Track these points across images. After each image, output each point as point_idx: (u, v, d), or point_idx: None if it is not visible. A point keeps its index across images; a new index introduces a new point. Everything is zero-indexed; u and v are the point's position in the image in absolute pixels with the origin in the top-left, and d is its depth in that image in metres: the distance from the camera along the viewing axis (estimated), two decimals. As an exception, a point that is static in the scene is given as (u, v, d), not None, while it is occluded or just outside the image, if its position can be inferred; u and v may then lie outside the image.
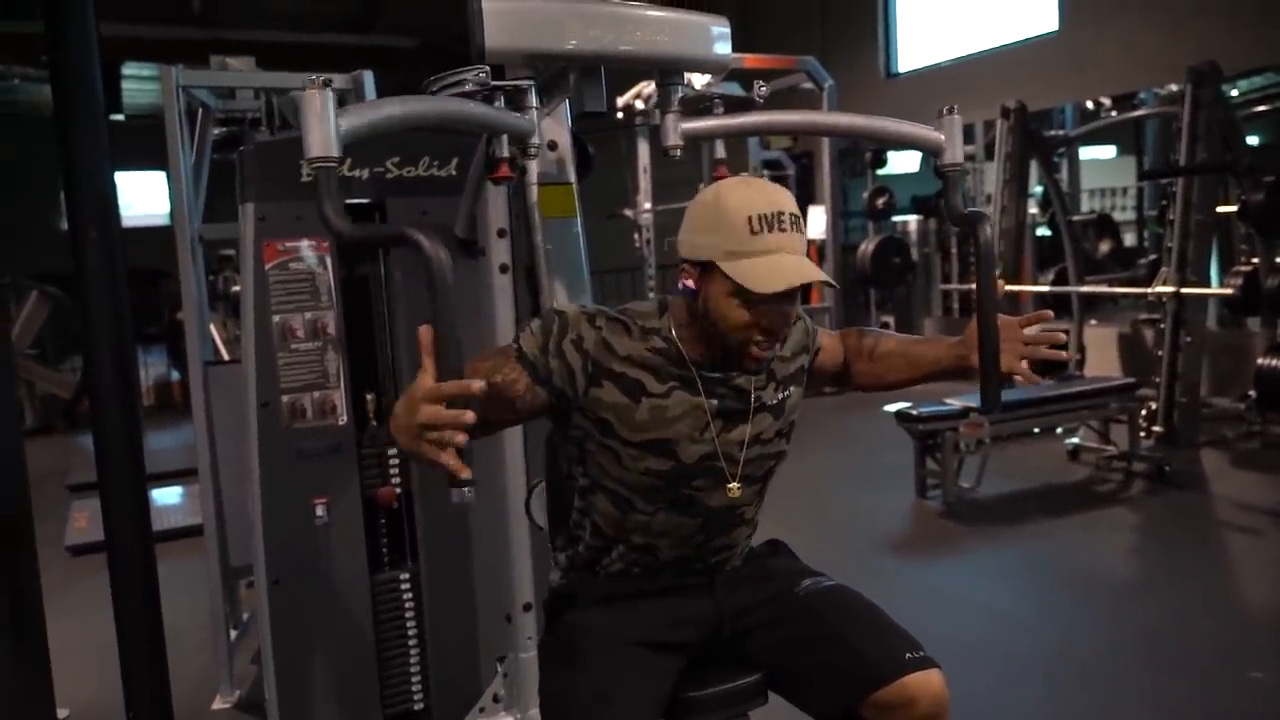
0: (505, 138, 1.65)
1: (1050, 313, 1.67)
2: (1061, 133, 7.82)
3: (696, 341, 1.45)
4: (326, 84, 1.23)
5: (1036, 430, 4.86)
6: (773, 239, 1.34)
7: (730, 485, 1.49)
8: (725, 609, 1.55)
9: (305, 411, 2.23)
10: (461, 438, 1.12)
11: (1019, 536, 4.17)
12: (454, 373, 1.14)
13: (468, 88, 1.61)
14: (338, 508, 2.28)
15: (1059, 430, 5.20)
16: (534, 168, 1.95)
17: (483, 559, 2.38)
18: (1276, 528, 3.98)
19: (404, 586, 2.38)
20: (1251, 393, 5.44)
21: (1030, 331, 1.61)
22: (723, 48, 1.81)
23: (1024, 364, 1.60)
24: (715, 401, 1.46)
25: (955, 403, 4.44)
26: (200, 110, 3.04)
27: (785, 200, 1.38)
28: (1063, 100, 8.01)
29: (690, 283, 1.41)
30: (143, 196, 11.72)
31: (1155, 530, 4.23)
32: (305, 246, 2.23)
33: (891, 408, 4.91)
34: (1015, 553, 3.99)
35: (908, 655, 1.43)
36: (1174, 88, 7.21)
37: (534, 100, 1.69)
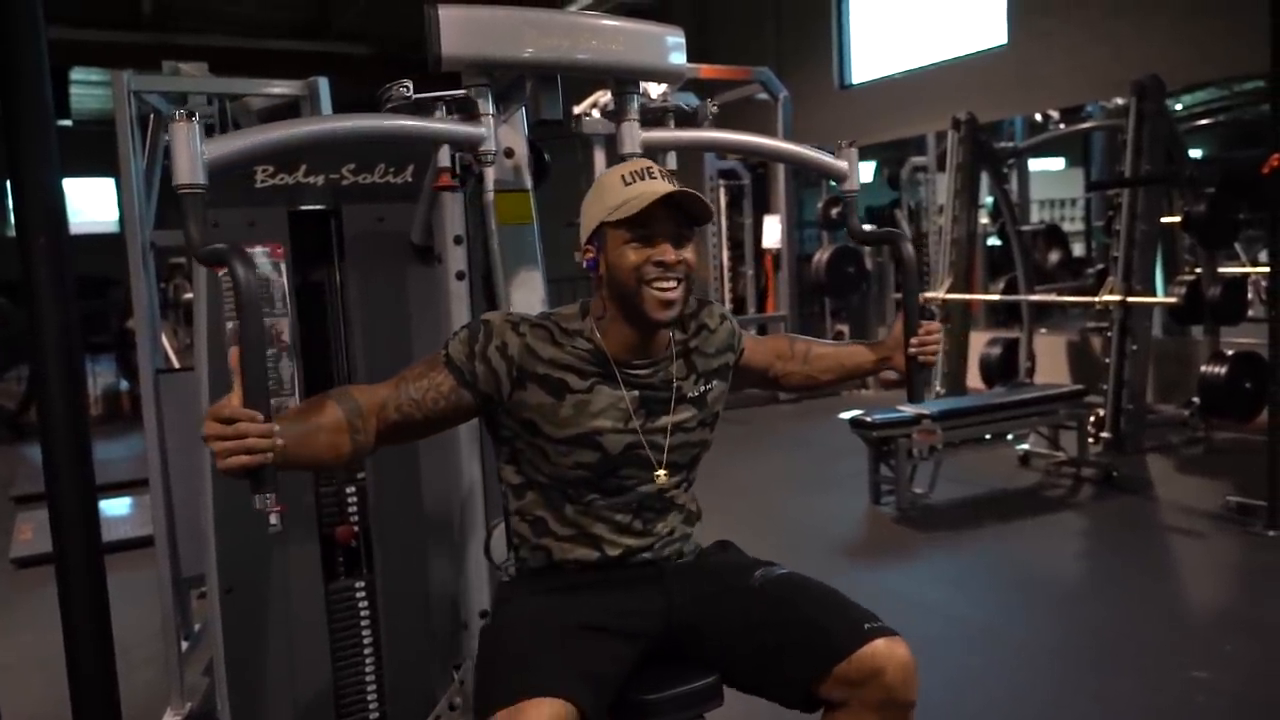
0: (446, 148, 1.68)
1: (937, 324, 1.87)
2: (1011, 144, 7.97)
3: (615, 330, 1.53)
4: (191, 115, 1.34)
5: (988, 436, 4.94)
6: (645, 185, 1.47)
7: (658, 473, 1.56)
8: (673, 598, 1.57)
9: (259, 419, 2.20)
10: (269, 455, 1.31)
11: (972, 541, 4.24)
12: (259, 393, 1.28)
13: (393, 104, 1.68)
14: (292, 515, 2.25)
15: (1010, 436, 5.29)
16: (490, 174, 1.96)
17: (438, 567, 2.37)
18: (1218, 531, 4.09)
19: (359, 595, 2.36)
20: (1195, 399, 5.59)
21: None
22: (677, 57, 1.84)
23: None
24: (636, 393, 1.54)
25: (908, 410, 4.50)
26: (152, 116, 3.00)
27: (647, 161, 1.55)
28: (1012, 113, 8.17)
29: (587, 256, 1.53)
30: (90, 203, 11.51)
31: (1103, 534, 4.32)
32: (260, 253, 2.21)
33: (845, 415, 4.97)
34: (968, 557, 4.06)
35: (867, 626, 1.46)
36: (1119, 101, 7.41)
37: (490, 108, 1.70)
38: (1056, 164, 11.58)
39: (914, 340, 1.77)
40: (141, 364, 2.78)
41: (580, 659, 1.42)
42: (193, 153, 1.33)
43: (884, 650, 1.43)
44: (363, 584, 2.36)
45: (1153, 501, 4.68)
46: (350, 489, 2.31)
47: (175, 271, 7.06)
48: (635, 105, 1.82)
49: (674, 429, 1.57)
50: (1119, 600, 3.43)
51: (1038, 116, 8.44)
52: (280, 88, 3.08)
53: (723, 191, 9.14)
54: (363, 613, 2.36)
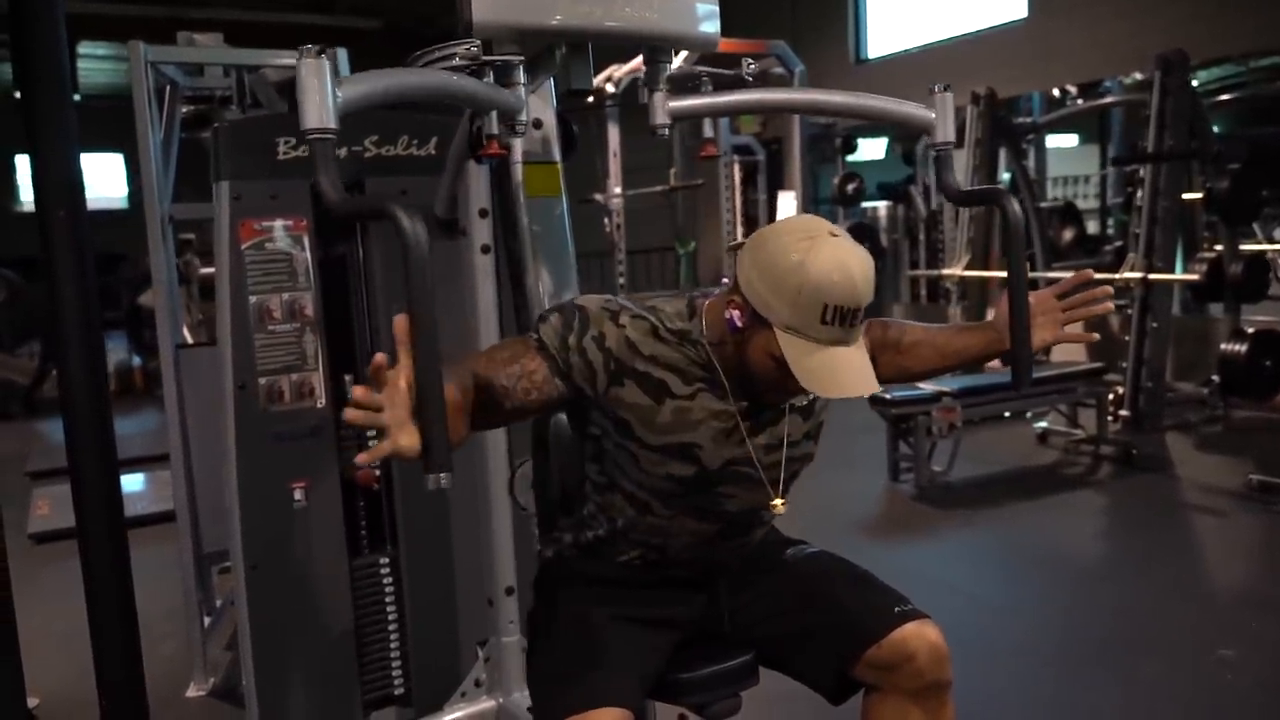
0: (495, 114, 1.62)
1: (1090, 271, 1.66)
2: (1030, 120, 7.88)
3: (724, 357, 1.39)
4: (321, 53, 1.19)
5: (1007, 414, 4.91)
6: (840, 332, 1.26)
7: (776, 501, 1.45)
8: (721, 586, 1.55)
9: (283, 394, 2.19)
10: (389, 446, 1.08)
11: (991, 519, 4.21)
12: (432, 364, 1.07)
13: (456, 61, 1.58)
14: (316, 492, 2.24)
15: (1028, 414, 5.26)
16: (519, 146, 1.93)
17: (463, 542, 2.35)
18: (1240, 510, 4.06)
19: (384, 571, 2.35)
20: (1215, 378, 5.54)
21: (1068, 300, 1.60)
22: (711, 25, 1.79)
23: (1068, 329, 1.60)
24: (745, 403, 1.40)
25: (928, 387, 4.47)
26: (168, 88, 2.97)
27: (866, 291, 1.27)
28: (1030, 88, 8.06)
29: (738, 317, 1.32)
30: (99, 179, 11.47)
31: (1123, 512, 4.29)
32: (281, 226, 2.19)
33: (864, 392, 4.92)
34: (987, 536, 4.04)
35: (897, 609, 1.43)
36: (1138, 76, 7.31)
37: (521, 77, 1.65)
38: (1070, 140, 11.46)
39: (1073, 299, 1.58)
40: (161, 340, 2.76)
41: (634, 660, 1.42)
42: (324, 93, 1.17)
43: (914, 634, 1.41)
44: (387, 560, 2.35)
45: (1173, 480, 4.65)
46: (371, 431, 2.25)
47: (185, 247, 7.03)
48: (666, 75, 1.77)
49: (781, 444, 1.44)
50: (1142, 579, 3.41)
51: (1055, 92, 8.34)
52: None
53: (737, 167, 9.06)
54: (387, 588, 2.36)
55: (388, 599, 2.35)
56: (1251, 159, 5.05)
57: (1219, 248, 5.72)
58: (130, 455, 5.13)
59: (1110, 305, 1.60)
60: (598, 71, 7.03)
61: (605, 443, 1.43)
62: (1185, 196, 5.70)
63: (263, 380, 2.17)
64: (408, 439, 1.07)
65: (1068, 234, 9.15)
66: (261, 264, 2.17)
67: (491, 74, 1.59)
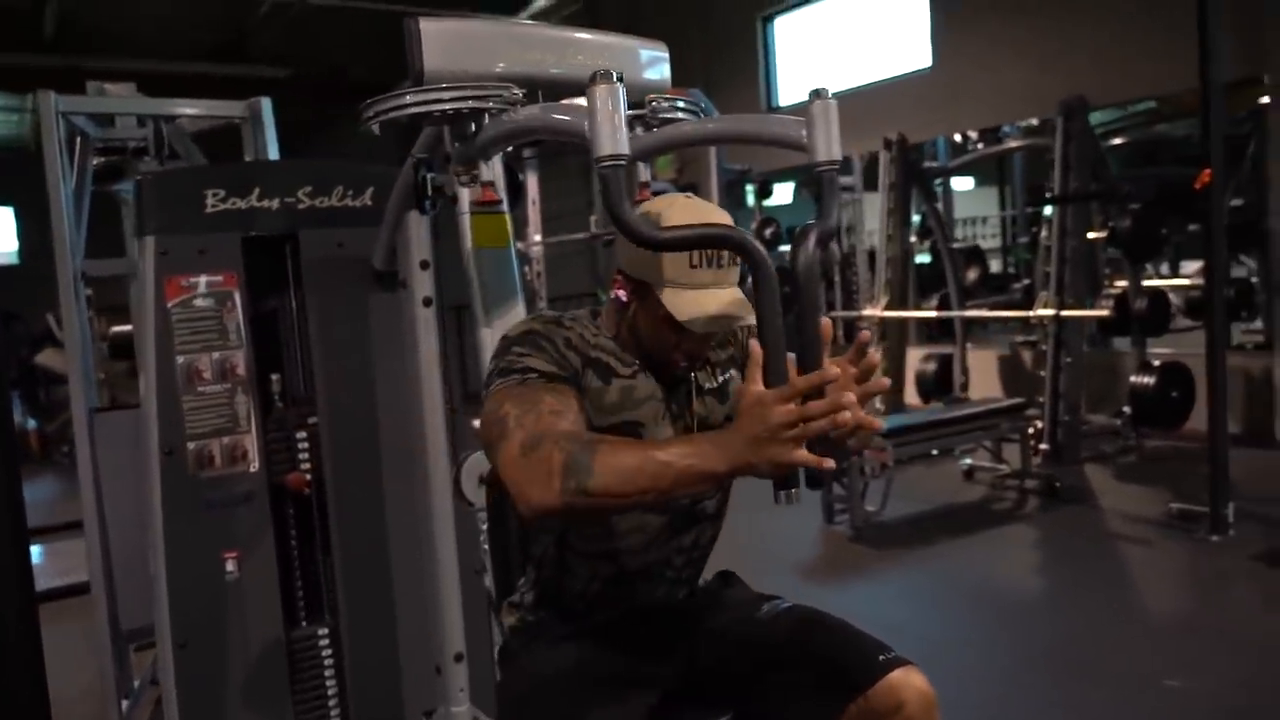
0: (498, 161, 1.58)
1: (868, 334, 1.33)
2: (938, 164, 8.14)
3: (624, 348, 1.47)
4: (613, 78, 1.16)
5: (935, 452, 4.99)
6: (710, 274, 1.36)
7: None
8: (697, 640, 1.50)
9: (214, 458, 2.07)
10: (848, 416, 1.08)
11: (929, 557, 4.25)
12: (781, 378, 1.12)
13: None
14: (250, 561, 2.11)
15: (956, 452, 5.35)
16: (465, 196, 1.88)
17: (408, 607, 2.25)
18: (1164, 538, 4.17)
19: (323, 642, 2.23)
20: (1126, 409, 5.73)
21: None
22: (660, 71, 1.78)
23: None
24: (663, 389, 1.47)
25: (859, 427, 4.50)
26: (79, 139, 2.83)
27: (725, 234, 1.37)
28: (938, 133, 8.33)
29: (623, 294, 1.43)
30: (-19, 235, 10.92)
31: (1055, 545, 4.38)
32: (210, 282, 2.08)
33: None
34: (926, 573, 4.06)
35: (881, 657, 1.41)
36: (1034, 122, 7.64)
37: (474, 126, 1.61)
38: (966, 183, 11.89)
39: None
40: (75, 403, 2.60)
41: None
42: (616, 120, 1.14)
43: (901, 681, 1.38)
44: (326, 630, 2.23)
45: (1097, 511, 4.76)
46: (301, 434, 2.17)
47: (87, 303, 6.74)
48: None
49: (700, 425, 1.49)
50: (1082, 610, 3.46)
51: (957, 137, 8.64)
52: (219, 109, 2.94)
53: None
54: (327, 661, 2.23)
55: (327, 672, 2.23)
56: (1157, 197, 5.28)
57: (1121, 284, 5.96)
58: (29, 525, 4.83)
59: (885, 382, 1.29)
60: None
61: None
62: (1090, 235, 5.93)
63: (192, 444, 2.05)
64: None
65: (972, 273, 9.46)
66: (189, 322, 2.06)
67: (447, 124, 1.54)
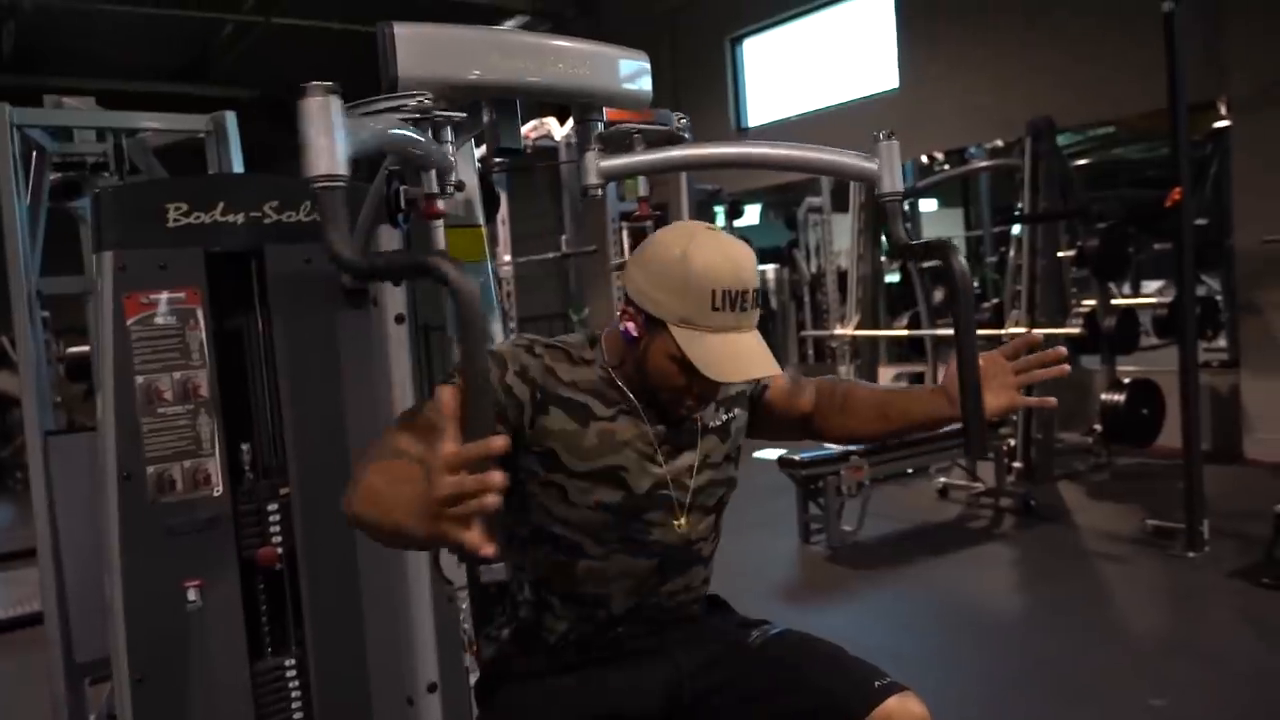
0: (434, 172, 1.51)
1: (1039, 334, 1.57)
2: (909, 184, 8.18)
3: (628, 379, 1.39)
4: (331, 91, 1.05)
5: (910, 470, 4.96)
6: (733, 317, 1.28)
7: (680, 520, 1.40)
8: (684, 671, 1.43)
9: (175, 483, 1.97)
10: (494, 501, 0.91)
11: (907, 577, 4.21)
12: (485, 431, 0.97)
13: (404, 114, 1.46)
14: (213, 590, 2.02)
15: (931, 469, 5.33)
16: (440, 209, 1.82)
17: (379, 635, 2.16)
18: (1141, 555, 4.16)
19: (289, 674, 2.14)
20: (1097, 426, 5.75)
21: (1020, 361, 1.50)
22: (642, 83, 1.74)
23: (1020, 395, 1.50)
24: (661, 427, 1.39)
25: (835, 448, 4.47)
26: (35, 153, 2.74)
27: (751, 275, 1.30)
28: (905, 154, 8.34)
29: (632, 327, 1.33)
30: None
31: (1033, 563, 4.36)
32: (171, 299, 2.00)
33: (770, 455, 4.91)
34: (906, 593, 4.02)
35: (876, 683, 1.36)
36: (999, 143, 7.71)
37: (449, 135, 1.55)
38: (930, 205, 11.98)
39: (1025, 361, 1.47)
40: (28, 425, 2.50)
41: None
42: (332, 135, 1.05)
43: (898, 709, 1.33)
44: (293, 661, 2.14)
45: (1073, 529, 4.76)
46: (272, 506, 2.08)
47: (44, 324, 6.57)
48: (598, 132, 1.70)
49: (701, 466, 1.42)
50: (1062, 629, 3.43)
51: (924, 159, 8.70)
52: (181, 122, 2.86)
53: (625, 234, 9.10)
54: (294, 694, 2.14)
55: (294, 705, 2.13)
56: (1128, 217, 5.32)
57: (1089, 302, 5.99)
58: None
59: (1067, 368, 1.50)
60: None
61: (530, 486, 1.36)
62: (1059, 254, 5.97)
63: (151, 469, 1.96)
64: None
65: (938, 293, 9.52)
66: (150, 340, 1.97)
67: (430, 130, 1.48)
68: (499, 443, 0.94)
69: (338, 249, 1.07)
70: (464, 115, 1.49)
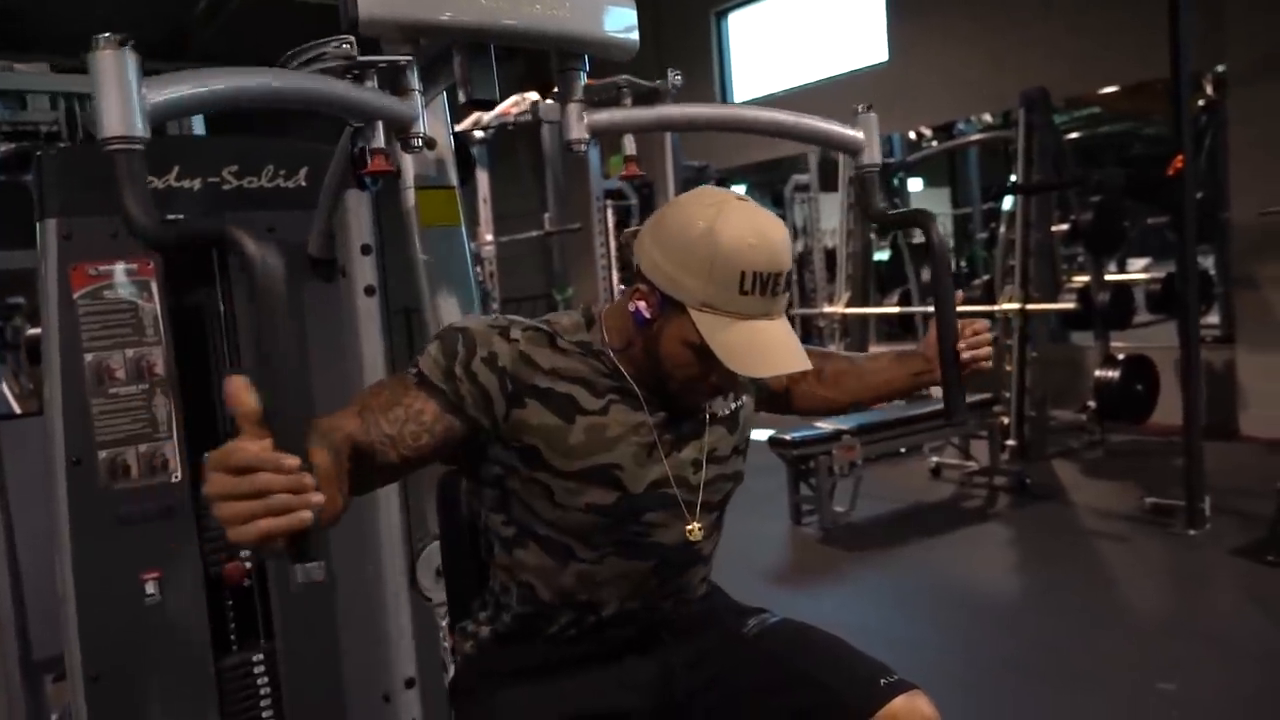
0: (380, 125, 1.37)
1: (983, 322, 1.53)
2: (894, 160, 8.06)
3: (636, 366, 1.24)
4: (124, 43, 0.93)
5: (903, 450, 4.86)
6: (762, 302, 1.14)
7: (691, 526, 1.26)
8: (675, 664, 1.32)
9: (129, 469, 1.84)
10: (307, 515, 0.81)
11: (901, 558, 4.11)
12: (291, 427, 0.84)
13: (329, 63, 1.32)
14: (172, 582, 1.90)
15: (925, 449, 5.24)
16: (410, 169, 1.68)
17: (353, 628, 2.04)
18: (1140, 534, 4.08)
19: (257, 670, 2.01)
20: (1091, 403, 5.66)
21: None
22: (627, 32, 1.60)
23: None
24: (662, 415, 1.24)
25: (827, 425, 4.36)
26: (-17, 122, 2.59)
27: (785, 256, 1.16)
28: (894, 128, 8.26)
29: (644, 307, 1.18)
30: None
31: (1030, 542, 4.27)
32: (124, 270, 1.86)
33: (759, 435, 4.79)
34: (901, 575, 3.92)
35: (882, 681, 1.25)
36: (988, 118, 7.60)
37: (416, 82, 1.41)
38: (916, 184, 11.87)
39: (963, 345, 1.41)
40: (-23, 410, 2.36)
41: None
42: (129, 92, 0.92)
43: (905, 708, 1.23)
44: (261, 656, 2.01)
45: (1069, 507, 4.67)
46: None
47: (14, 311, 6.38)
48: (581, 83, 1.56)
49: (708, 459, 1.28)
50: (1063, 610, 3.34)
51: (912, 135, 8.58)
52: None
53: (610, 212, 8.96)
54: (262, 691, 2.01)
55: (263, 704, 2.01)
56: (1127, 188, 5.22)
57: (1081, 278, 5.90)
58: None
59: (987, 366, 1.47)
60: (462, 118, 6.81)
61: (511, 482, 1.22)
62: (1053, 228, 5.87)
63: (103, 453, 1.83)
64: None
65: (925, 272, 9.44)
66: (99, 315, 1.83)
67: (375, 79, 1.33)
68: (289, 462, 0.82)
69: (134, 215, 0.95)
70: (407, 59, 1.34)
